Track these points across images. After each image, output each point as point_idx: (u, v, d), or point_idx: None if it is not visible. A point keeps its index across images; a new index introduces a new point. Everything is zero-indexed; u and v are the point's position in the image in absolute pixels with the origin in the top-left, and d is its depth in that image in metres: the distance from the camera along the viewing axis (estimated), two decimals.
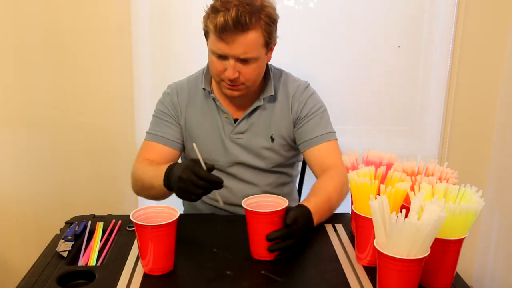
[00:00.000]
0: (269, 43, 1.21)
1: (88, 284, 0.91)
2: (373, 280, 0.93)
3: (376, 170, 1.01)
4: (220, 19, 1.11)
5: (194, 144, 1.08)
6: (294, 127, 1.34)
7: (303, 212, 1.08)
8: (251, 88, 1.26)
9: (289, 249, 1.01)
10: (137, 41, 1.77)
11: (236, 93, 1.24)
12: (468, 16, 1.81)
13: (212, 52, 1.20)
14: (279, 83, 1.35)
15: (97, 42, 1.78)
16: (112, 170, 1.90)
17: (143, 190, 1.25)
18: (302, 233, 1.04)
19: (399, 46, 1.84)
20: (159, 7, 1.77)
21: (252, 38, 1.15)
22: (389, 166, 1.06)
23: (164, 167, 1.14)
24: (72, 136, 1.87)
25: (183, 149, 1.37)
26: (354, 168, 1.08)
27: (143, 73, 1.81)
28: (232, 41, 1.14)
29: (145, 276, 0.94)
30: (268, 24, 1.17)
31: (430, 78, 1.88)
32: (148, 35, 1.78)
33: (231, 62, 1.17)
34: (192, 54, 1.80)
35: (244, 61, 1.18)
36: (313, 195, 1.19)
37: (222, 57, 1.18)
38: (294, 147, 1.38)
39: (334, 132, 1.35)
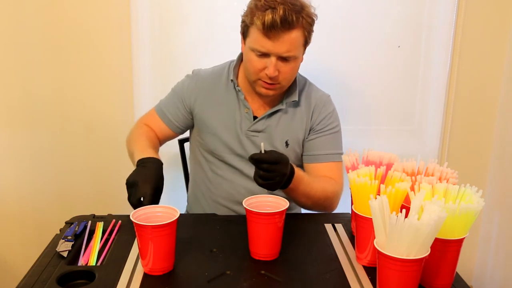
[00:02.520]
0: (307, 42, 1.24)
1: (88, 284, 0.91)
2: (373, 280, 0.93)
3: (376, 170, 1.01)
4: (268, 16, 1.14)
5: (262, 144, 1.11)
6: (305, 137, 1.35)
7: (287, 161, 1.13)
8: (284, 88, 1.28)
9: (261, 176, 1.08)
10: (137, 41, 1.77)
11: (271, 92, 1.26)
12: (468, 16, 1.81)
13: (252, 50, 1.21)
14: (303, 91, 1.36)
15: (97, 42, 1.78)
16: (112, 170, 1.90)
17: (128, 150, 1.33)
18: (274, 171, 1.08)
19: (399, 46, 1.84)
20: (159, 7, 1.77)
21: (295, 36, 1.18)
22: (389, 166, 1.06)
23: (144, 154, 1.18)
24: (72, 137, 1.87)
25: (181, 132, 1.42)
26: (354, 168, 1.08)
27: (143, 73, 1.81)
28: (277, 39, 1.16)
29: (145, 276, 0.94)
30: (309, 24, 1.21)
31: (430, 78, 1.88)
32: (148, 35, 1.78)
33: (273, 60, 1.19)
34: (192, 53, 1.80)
35: (285, 59, 1.20)
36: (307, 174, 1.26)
37: (263, 55, 1.20)
38: None
39: (342, 153, 1.36)
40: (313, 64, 1.82)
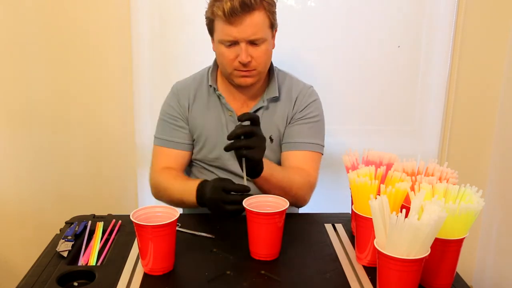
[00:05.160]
0: (273, 24, 1.25)
1: (88, 284, 0.91)
2: (373, 280, 0.93)
3: (376, 170, 1.02)
4: (227, 4, 1.16)
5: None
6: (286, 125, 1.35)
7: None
8: (261, 75, 1.28)
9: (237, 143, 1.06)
10: (137, 41, 1.77)
11: (249, 80, 1.26)
12: (468, 16, 1.81)
13: (221, 42, 1.22)
14: (284, 85, 1.36)
15: (97, 42, 1.78)
16: (112, 170, 1.90)
17: (171, 203, 1.28)
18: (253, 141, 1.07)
19: (399, 46, 1.84)
20: (159, 7, 1.77)
21: (258, 18, 1.19)
22: (389, 166, 1.06)
23: (194, 185, 1.19)
24: (72, 136, 1.87)
25: (193, 148, 1.38)
26: (354, 168, 1.08)
27: (143, 73, 1.81)
28: (240, 23, 1.18)
29: (145, 276, 0.94)
30: (270, 4, 1.22)
31: (430, 78, 1.88)
32: (148, 35, 1.78)
33: (243, 46, 1.20)
34: (192, 54, 1.80)
35: (255, 43, 1.21)
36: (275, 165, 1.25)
37: (233, 44, 1.21)
38: None
39: (322, 146, 1.35)
40: (313, 64, 1.83)
